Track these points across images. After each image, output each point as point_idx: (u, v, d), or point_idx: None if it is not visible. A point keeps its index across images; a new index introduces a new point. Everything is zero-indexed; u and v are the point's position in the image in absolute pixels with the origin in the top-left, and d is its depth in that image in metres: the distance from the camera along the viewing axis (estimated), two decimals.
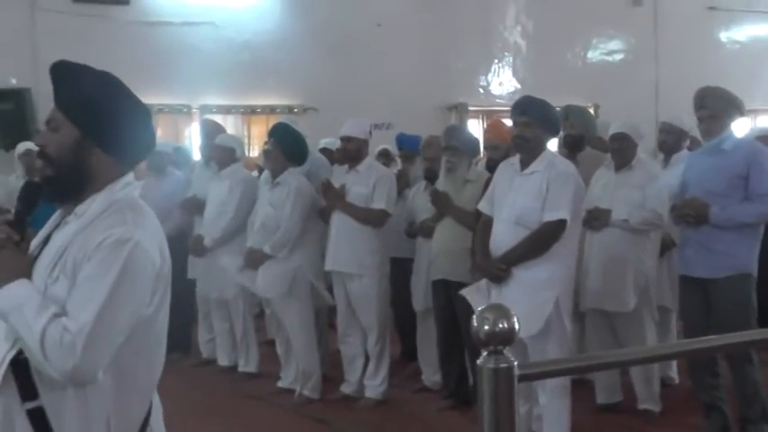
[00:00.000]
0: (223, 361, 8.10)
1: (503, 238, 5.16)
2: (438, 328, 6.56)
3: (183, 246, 8.06)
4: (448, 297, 6.28)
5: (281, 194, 6.83)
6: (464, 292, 5.41)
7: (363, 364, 6.94)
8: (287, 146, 6.92)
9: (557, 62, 13.33)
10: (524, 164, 5.24)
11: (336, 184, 6.79)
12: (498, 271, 5.10)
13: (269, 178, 7.00)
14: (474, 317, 2.16)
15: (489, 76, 13.14)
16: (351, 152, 6.81)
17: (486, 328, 2.15)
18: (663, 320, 6.58)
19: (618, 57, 13.99)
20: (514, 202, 5.15)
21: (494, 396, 2.16)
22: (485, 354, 2.17)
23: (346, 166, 6.95)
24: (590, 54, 13.83)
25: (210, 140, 8.04)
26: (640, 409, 6.23)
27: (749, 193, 5.34)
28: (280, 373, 7.31)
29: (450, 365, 6.58)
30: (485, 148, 6.52)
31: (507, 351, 2.16)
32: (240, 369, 7.88)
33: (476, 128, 12.95)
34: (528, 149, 5.21)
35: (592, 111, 13.14)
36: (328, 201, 6.79)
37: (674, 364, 6.95)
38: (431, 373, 7.05)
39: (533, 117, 5.22)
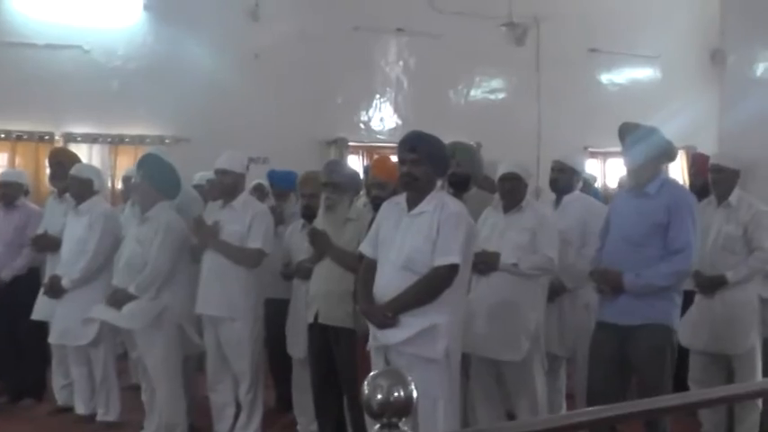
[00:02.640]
0: (80, 409, 7.51)
1: (389, 282, 4.81)
2: (313, 375, 6.20)
3: (33, 285, 7.60)
4: (325, 341, 5.95)
5: (149, 230, 6.39)
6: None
7: (234, 414, 6.54)
8: (157, 178, 6.50)
9: (439, 99, 13.13)
10: (412, 204, 4.91)
11: (209, 221, 6.39)
12: (384, 318, 4.76)
13: (137, 213, 6.53)
14: (365, 383, 1.95)
15: (370, 112, 12.85)
16: (226, 186, 6.44)
17: (380, 397, 1.95)
18: (551, 368, 6.32)
19: (500, 95, 13.88)
20: (402, 245, 4.82)
21: None
22: (377, 427, 1.95)
23: (220, 202, 6.54)
24: (473, 92, 13.67)
25: (65, 170, 7.52)
26: None
27: (666, 244, 5.17)
28: (143, 423, 6.80)
29: (327, 415, 6.21)
30: (370, 185, 6.19)
31: (403, 424, 1.95)
32: (99, 418, 7.34)
33: (356, 164, 12.70)
34: (417, 188, 4.89)
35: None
36: (200, 238, 6.40)
37: (563, 408, 6.71)
38: (306, 423, 6.67)
39: (423, 154, 4.89)
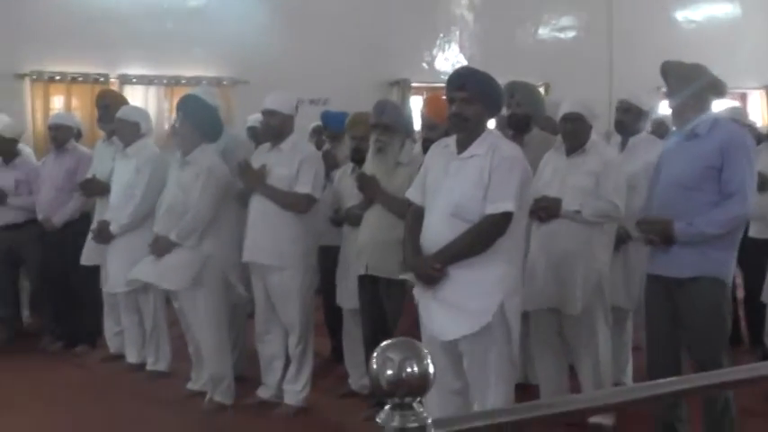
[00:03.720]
0: (131, 357, 7.38)
1: (437, 232, 4.42)
2: (364, 328, 5.89)
3: (85, 230, 7.42)
4: (375, 293, 5.64)
5: (190, 175, 6.08)
6: (405, 275, 4.66)
7: (283, 366, 6.23)
8: (198, 120, 6.16)
9: (505, 38, 12.66)
10: (462, 146, 4.49)
11: (256, 164, 6.05)
12: (432, 270, 4.38)
13: (178, 157, 6.24)
14: (374, 356, 1.70)
15: (434, 51, 12.45)
16: (273, 128, 6.05)
17: (390, 373, 1.68)
18: (617, 321, 5.95)
19: (570, 34, 13.38)
20: (451, 191, 4.42)
21: None
22: (387, 408, 1.69)
23: (268, 145, 6.18)
24: (541, 30, 13.18)
25: (111, 113, 7.26)
26: (591, 422, 5.62)
27: (720, 189, 4.67)
28: (191, 373, 6.59)
29: None
30: (421, 126, 5.79)
31: (419, 405, 1.68)
32: (149, 367, 7.18)
33: (419, 106, 12.32)
34: (466, 129, 4.47)
35: (542, 90, 12.64)
36: (246, 183, 6.07)
37: (629, 367, 6.35)
38: (358, 377, 6.37)
39: (473, 92, 4.46)
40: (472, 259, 4.36)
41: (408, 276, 4.55)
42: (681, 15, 14.06)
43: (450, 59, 12.49)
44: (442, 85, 11.86)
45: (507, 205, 4.32)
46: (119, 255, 6.92)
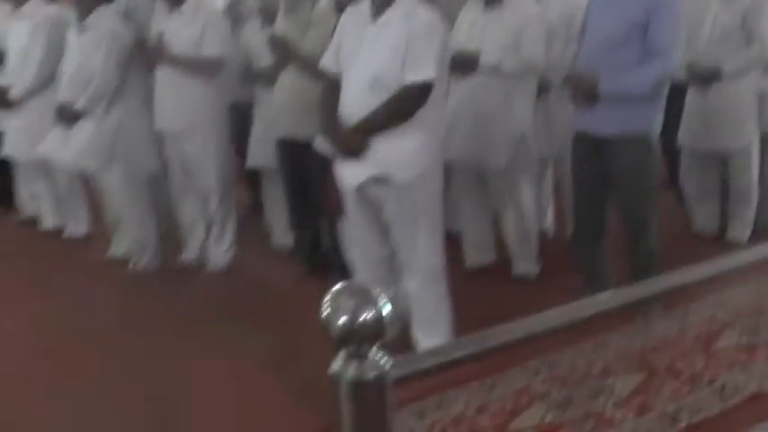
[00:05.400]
0: (47, 222, 7.05)
1: (356, 103, 4.06)
2: (286, 190, 5.62)
3: None
4: (294, 156, 5.34)
5: (91, 40, 5.61)
6: (319, 145, 4.42)
7: (205, 229, 5.99)
8: None
9: None
10: (377, 11, 4.09)
11: (155, 31, 5.61)
12: (354, 144, 4.10)
13: (75, 21, 5.75)
14: (324, 302, 1.57)
15: None
16: None
17: (343, 320, 1.55)
18: (538, 169, 5.81)
19: None
20: (369, 60, 4.04)
21: (358, 415, 1.57)
22: (342, 355, 1.57)
23: (166, 7, 5.64)
24: None
25: None
26: (516, 273, 5.53)
27: (646, 44, 4.41)
28: (112, 239, 6.31)
29: (304, 229, 5.69)
30: None
31: (375, 352, 1.57)
32: (67, 233, 6.88)
33: None
34: None
35: None
36: (146, 60, 5.67)
37: (549, 212, 6.25)
38: (281, 234, 6.18)
39: None
40: (395, 130, 4.07)
41: (326, 149, 4.28)
42: None
43: None
44: None
45: (427, 73, 3.98)
46: (21, 120, 6.53)
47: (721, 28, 5.63)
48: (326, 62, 4.34)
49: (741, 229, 6.01)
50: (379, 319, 1.55)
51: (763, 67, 5.77)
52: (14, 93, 6.48)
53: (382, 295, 1.58)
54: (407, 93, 4.02)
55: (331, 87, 4.27)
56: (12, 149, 6.77)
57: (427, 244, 4.26)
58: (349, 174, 4.20)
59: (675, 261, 5.00)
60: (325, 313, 1.57)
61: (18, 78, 6.48)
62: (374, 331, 1.55)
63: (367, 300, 1.56)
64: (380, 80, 4.02)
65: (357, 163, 4.10)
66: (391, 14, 4.08)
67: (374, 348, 1.56)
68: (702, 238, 6.12)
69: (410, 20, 4.03)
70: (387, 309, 1.56)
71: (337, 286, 1.60)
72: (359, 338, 1.55)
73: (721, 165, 6.01)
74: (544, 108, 5.58)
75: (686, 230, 6.20)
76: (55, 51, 6.16)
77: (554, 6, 5.56)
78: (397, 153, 4.07)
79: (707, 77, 5.67)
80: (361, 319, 1.54)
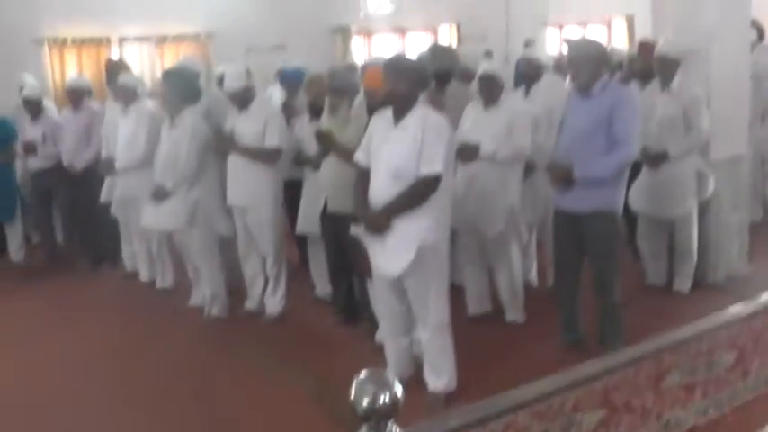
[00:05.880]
0: (144, 276, 6.96)
1: (381, 190, 4.00)
2: (328, 255, 5.48)
3: (98, 172, 6.95)
4: (334, 225, 5.20)
5: (179, 135, 5.58)
6: (354, 230, 4.27)
7: (264, 282, 5.89)
8: (180, 89, 5.63)
9: None
10: (398, 117, 4.05)
11: (230, 127, 5.60)
12: (381, 223, 3.98)
13: (167, 120, 5.73)
14: (353, 385, 1.59)
15: (369, 1, 11.81)
16: (239, 100, 5.55)
17: (366, 402, 1.57)
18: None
19: None
20: (391, 156, 3.98)
21: None
22: (365, 428, 1.58)
23: (237, 106, 5.61)
24: None
25: (115, 80, 6.69)
26: (508, 320, 5.40)
27: (611, 136, 4.36)
28: (192, 291, 6.20)
29: (340, 285, 5.56)
30: (363, 93, 5.32)
31: (391, 423, 1.58)
32: (158, 285, 6.79)
33: (359, 45, 11.76)
34: (400, 103, 4.03)
35: (454, 28, 12.15)
36: (221, 148, 5.63)
37: (534, 268, 6.10)
38: (322, 287, 6.05)
39: (403, 73, 4.02)
40: (411, 212, 3.99)
41: (358, 232, 4.19)
42: None
43: (381, 7, 11.86)
44: (376, 27, 11.56)
45: (437, 167, 3.92)
46: (124, 191, 6.57)
47: (667, 119, 5.54)
48: (359, 157, 4.27)
49: (685, 282, 5.86)
50: (394, 400, 1.56)
51: (700, 151, 5.66)
52: (119, 165, 6.51)
53: (396, 381, 1.59)
54: (422, 183, 3.95)
55: (362, 177, 4.20)
56: (117, 212, 6.80)
57: (437, 303, 4.15)
58: (385, 267, 4.12)
59: (633, 308, 4.97)
60: (352, 396, 1.57)
61: (122, 156, 6.47)
62: (390, 410, 1.57)
63: (384, 385, 1.57)
64: (401, 172, 3.96)
65: (392, 259, 4.04)
66: (409, 120, 4.02)
67: (390, 423, 1.57)
68: (653, 289, 5.95)
69: (424, 124, 3.97)
70: (400, 391, 1.57)
71: (362, 375, 1.61)
72: (377, 417, 1.57)
73: (668, 229, 5.86)
74: (530, 184, 5.47)
75: (640, 282, 6.03)
76: (152, 140, 6.11)
77: (537, 101, 5.55)
78: (412, 230, 3.98)
79: (657, 159, 5.57)
80: (380, 402, 1.56)
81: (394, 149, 4.01)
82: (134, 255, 7.08)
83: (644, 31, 13.16)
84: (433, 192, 3.96)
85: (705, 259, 5.93)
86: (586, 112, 4.45)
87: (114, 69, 6.96)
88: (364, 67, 6.05)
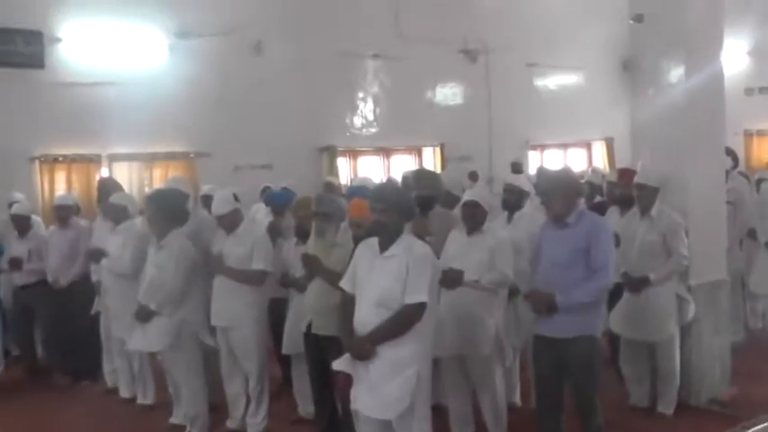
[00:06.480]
0: (124, 393, 6.90)
1: (366, 317, 4.07)
2: (311, 374, 5.47)
3: (86, 288, 7.03)
4: (318, 348, 5.24)
5: (165, 256, 5.63)
6: (336, 365, 4.30)
7: (245, 403, 5.85)
8: (166, 212, 5.72)
9: (409, 110, 12.41)
10: (383, 246, 4.17)
11: (217, 249, 5.73)
12: (364, 350, 4.05)
13: (154, 241, 5.81)
14: None
15: (354, 120, 12.16)
16: (227, 223, 5.72)
17: None
18: None
19: (459, 102, 13.22)
20: (376, 284, 4.07)
21: None
22: None
23: (225, 230, 5.78)
24: (436, 101, 12.99)
25: (106, 198, 6.83)
26: None
27: (589, 264, 4.50)
28: (173, 409, 6.13)
29: (323, 404, 5.52)
30: (348, 224, 5.46)
31: None
32: (139, 401, 6.72)
33: (344, 165, 12.02)
34: (386, 233, 4.16)
35: (438, 149, 12.49)
36: (210, 267, 5.73)
37: (517, 390, 6.11)
38: (305, 405, 6.01)
39: (390, 205, 4.17)
40: (395, 340, 4.05)
41: (341, 366, 4.23)
42: (541, 86, 14.09)
43: (366, 127, 12.22)
44: (361, 148, 11.89)
45: (422, 296, 4.01)
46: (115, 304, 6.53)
47: (647, 245, 5.69)
48: (345, 284, 4.34)
49: (668, 404, 5.87)
50: None
51: (680, 276, 5.79)
52: (104, 280, 6.61)
53: None
54: (407, 311, 4.02)
55: (347, 303, 4.27)
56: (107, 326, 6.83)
57: (420, 425, 4.13)
58: (370, 410, 4.14)
59: (616, 430, 4.94)
60: None
61: (107, 274, 6.56)
62: None
63: None
64: (385, 301, 4.05)
65: (377, 401, 4.07)
66: (394, 249, 4.13)
67: None
68: (637, 411, 5.95)
69: (408, 254, 4.08)
70: None
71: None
72: None
73: (651, 351, 5.90)
74: (513, 308, 5.55)
75: (623, 404, 6.01)
76: (139, 257, 6.15)
77: (519, 228, 5.67)
78: (396, 360, 4.03)
79: (638, 284, 5.68)
80: None
81: (379, 279, 4.10)
82: (115, 370, 7.03)
83: (623, 153, 13.59)
84: (418, 320, 4.03)
85: (688, 382, 5.96)
86: (564, 241, 4.60)
87: (106, 188, 7.11)
88: (350, 195, 6.19)
